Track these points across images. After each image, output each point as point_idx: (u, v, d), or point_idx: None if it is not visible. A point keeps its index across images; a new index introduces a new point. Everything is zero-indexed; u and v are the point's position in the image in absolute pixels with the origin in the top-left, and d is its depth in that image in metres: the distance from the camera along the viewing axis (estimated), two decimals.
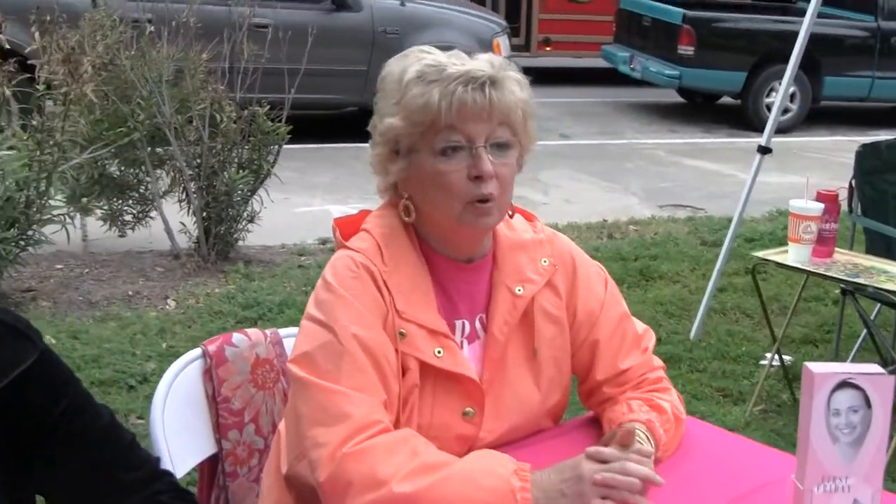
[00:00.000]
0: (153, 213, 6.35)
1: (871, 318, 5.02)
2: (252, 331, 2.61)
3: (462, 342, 2.15)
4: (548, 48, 15.06)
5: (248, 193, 6.15)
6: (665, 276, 6.39)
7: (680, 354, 5.16)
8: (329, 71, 9.21)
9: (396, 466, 1.90)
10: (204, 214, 6.12)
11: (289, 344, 2.57)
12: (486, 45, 10.30)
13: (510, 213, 2.23)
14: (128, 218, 6.35)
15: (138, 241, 6.46)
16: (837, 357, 5.10)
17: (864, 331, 5.07)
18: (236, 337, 2.55)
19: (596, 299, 2.30)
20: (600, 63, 14.22)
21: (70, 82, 5.29)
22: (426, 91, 2.03)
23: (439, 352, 2.07)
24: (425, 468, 1.90)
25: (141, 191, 6.30)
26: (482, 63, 2.08)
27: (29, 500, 1.86)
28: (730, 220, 6.76)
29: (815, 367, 1.94)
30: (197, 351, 2.46)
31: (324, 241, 6.80)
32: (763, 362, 5.12)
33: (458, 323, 2.15)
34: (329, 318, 2.03)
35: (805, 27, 5.47)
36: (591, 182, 9.03)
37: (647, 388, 2.29)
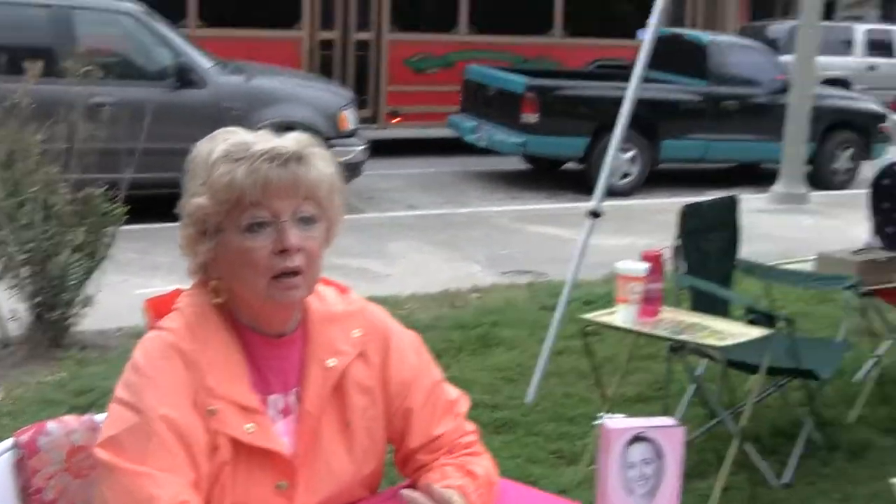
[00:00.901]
0: None
1: (699, 372, 5.20)
2: (67, 417, 2.56)
3: (276, 417, 2.17)
4: (396, 120, 15.21)
5: (84, 277, 6.07)
6: (505, 343, 6.46)
7: (517, 419, 5.23)
8: (173, 150, 9.17)
9: None
10: (37, 300, 6.01)
11: None
12: (333, 119, 10.42)
13: (320, 285, 2.29)
14: None
15: None
16: (667, 413, 5.23)
17: (692, 386, 5.22)
18: (50, 425, 2.51)
19: (409, 368, 2.35)
20: (447, 133, 14.40)
21: None
22: (232, 169, 2.08)
23: (250, 428, 2.09)
24: None
25: None
26: (288, 140, 2.14)
27: None
28: None
29: (609, 422, 2.05)
30: (8, 442, 2.42)
31: None
32: (597, 422, 5.20)
33: (272, 398, 2.17)
34: (137, 399, 2.05)
35: (630, 92, 5.67)
36: (435, 252, 9.12)
37: (460, 454, 2.33)
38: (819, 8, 12.14)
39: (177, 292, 2.26)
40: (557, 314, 5.57)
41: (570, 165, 13.64)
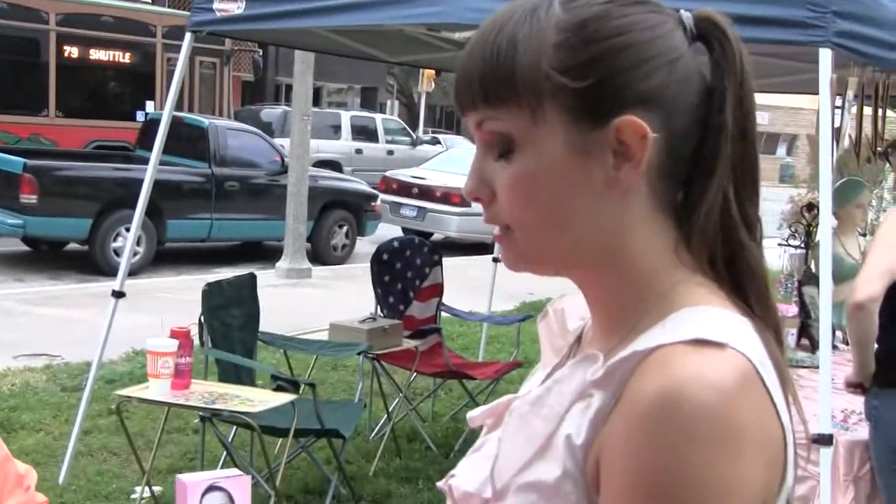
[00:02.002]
0: None
1: (230, 439, 5.44)
2: None
3: None
4: None
5: None
6: (27, 426, 6.33)
7: (52, 501, 5.18)
8: None
9: None
10: None
11: None
12: None
13: None
14: None
15: None
16: None
17: (224, 452, 5.43)
18: None
19: None
20: None
21: None
22: None
23: None
24: None
25: None
26: None
27: None
28: (87, 365, 6.91)
29: (185, 477, 2.25)
30: None
31: None
32: (134, 496, 5.27)
33: None
34: None
35: (149, 174, 5.83)
36: None
37: None
38: (309, 96, 12.91)
39: None
40: (85, 394, 5.57)
41: (72, 246, 13.44)
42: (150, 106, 16.20)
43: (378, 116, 28.61)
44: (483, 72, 1.09)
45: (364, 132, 26.61)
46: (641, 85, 1.06)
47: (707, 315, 1.05)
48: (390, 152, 25.64)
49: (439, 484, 1.24)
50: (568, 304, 1.28)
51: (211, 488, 2.22)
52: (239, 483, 2.26)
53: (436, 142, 28.68)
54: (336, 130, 25.83)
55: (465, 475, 1.18)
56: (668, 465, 0.97)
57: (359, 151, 25.60)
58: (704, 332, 1.01)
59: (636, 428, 0.99)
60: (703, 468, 0.96)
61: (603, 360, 1.06)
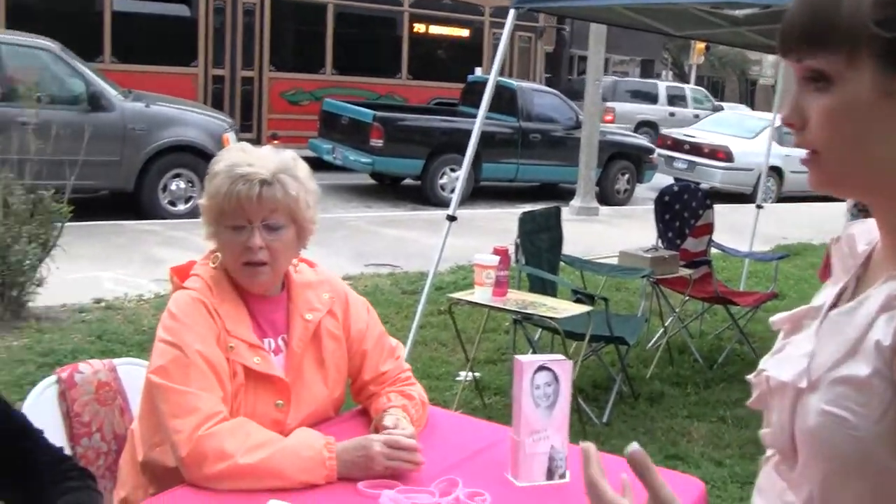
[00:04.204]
0: None
1: (536, 339, 5.56)
2: (94, 360, 2.73)
3: (269, 355, 2.41)
4: (275, 141, 15.26)
5: (37, 262, 6.05)
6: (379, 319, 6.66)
7: None
8: (87, 161, 9.09)
9: (238, 443, 2.15)
10: None
11: (123, 371, 2.72)
12: (218, 139, 10.41)
13: (295, 264, 2.53)
14: None
15: None
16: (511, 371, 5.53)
17: (530, 349, 5.55)
18: (82, 366, 2.68)
19: (362, 321, 2.61)
20: (308, 153, 14.47)
21: None
22: (221, 184, 2.33)
23: (257, 360, 2.34)
24: (260, 444, 2.17)
25: None
26: (265, 166, 2.35)
27: None
28: (422, 274, 7.17)
29: (521, 358, 2.35)
30: (52, 378, 2.59)
31: (98, 301, 6.72)
32: (459, 378, 5.48)
33: (266, 341, 2.41)
34: (176, 339, 2.27)
35: (477, 126, 5.95)
36: (310, 249, 9.21)
37: (400, 384, 2.60)
38: (601, 65, 12.80)
39: (192, 262, 2.46)
40: (423, 296, 5.72)
41: (408, 181, 13.92)
42: (478, 71, 16.54)
43: (687, 87, 28.73)
44: (809, 19, 1.09)
45: (676, 99, 26.69)
46: None
47: None
48: (696, 116, 25.21)
49: (748, 377, 1.24)
50: (857, 229, 1.25)
51: (541, 368, 2.30)
52: (563, 366, 2.32)
53: (719, 109, 28.02)
54: (654, 98, 26.14)
55: (779, 368, 1.18)
56: None
57: (671, 115, 25.45)
58: None
59: None
60: None
61: None
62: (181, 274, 2.43)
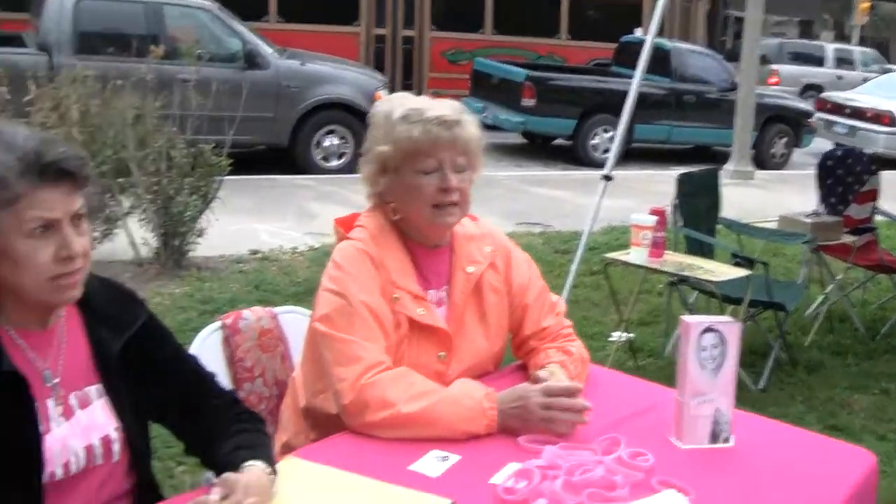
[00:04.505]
0: (116, 231, 6.37)
1: (691, 302, 5.43)
2: (256, 308, 2.78)
3: (433, 306, 2.40)
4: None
5: (197, 213, 6.25)
6: None
7: None
8: (243, 117, 9.31)
9: (400, 392, 2.15)
10: (162, 231, 6.20)
11: (284, 319, 2.77)
12: (370, 97, 10.51)
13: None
14: (95, 234, 6.36)
15: (102, 253, 6.46)
16: (667, 334, 5.45)
17: (686, 312, 5.40)
18: (245, 313, 2.74)
19: (524, 275, 2.58)
20: None
21: (59, 125, 5.36)
22: (411, 128, 2.30)
23: (421, 311, 2.33)
24: (422, 394, 2.17)
25: (106, 213, 6.33)
26: (448, 108, 2.35)
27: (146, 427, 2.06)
28: (574, 234, 7.09)
29: (688, 318, 2.27)
30: (217, 324, 2.66)
31: (254, 252, 6.91)
32: (611, 339, 5.40)
33: (430, 292, 2.40)
34: (341, 288, 2.28)
35: (634, 87, 5.81)
36: None
37: (561, 340, 2.56)
38: (758, 25, 12.32)
39: (355, 214, 2.46)
40: (577, 255, 5.66)
41: (559, 141, 13.79)
42: (637, 32, 16.20)
43: (856, 48, 27.47)
44: None
45: (843, 62, 25.65)
46: None
47: None
48: (865, 79, 24.22)
49: None
50: None
51: (707, 329, 2.22)
52: (732, 328, 2.24)
53: (889, 71, 26.76)
54: (821, 60, 25.21)
55: None
56: None
57: (839, 78, 24.46)
58: None
59: None
60: None
61: None
62: (346, 225, 2.44)
